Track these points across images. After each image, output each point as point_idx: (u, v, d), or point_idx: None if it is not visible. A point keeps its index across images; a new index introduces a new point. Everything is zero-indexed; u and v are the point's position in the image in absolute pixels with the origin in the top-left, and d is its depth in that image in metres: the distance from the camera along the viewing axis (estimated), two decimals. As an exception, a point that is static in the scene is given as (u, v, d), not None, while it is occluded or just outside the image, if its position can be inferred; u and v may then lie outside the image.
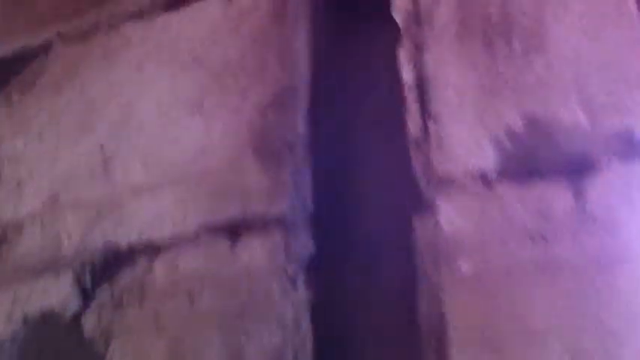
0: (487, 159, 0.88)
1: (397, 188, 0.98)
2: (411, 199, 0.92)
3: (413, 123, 0.96)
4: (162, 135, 1.12)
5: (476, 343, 0.81)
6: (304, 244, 0.93)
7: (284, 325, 0.88)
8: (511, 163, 0.87)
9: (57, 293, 1.07)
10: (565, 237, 0.83)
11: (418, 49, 1.00)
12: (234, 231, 0.97)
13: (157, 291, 0.99)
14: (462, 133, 0.91)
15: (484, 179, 0.89)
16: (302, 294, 0.89)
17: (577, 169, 0.86)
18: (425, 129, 0.94)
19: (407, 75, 1.02)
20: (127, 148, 1.15)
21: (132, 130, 1.16)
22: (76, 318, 1.04)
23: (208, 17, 1.25)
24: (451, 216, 0.87)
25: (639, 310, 0.80)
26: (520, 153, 0.87)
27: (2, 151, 1.30)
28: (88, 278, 1.05)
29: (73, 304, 1.05)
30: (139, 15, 1.32)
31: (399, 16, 1.04)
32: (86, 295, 1.04)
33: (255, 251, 0.94)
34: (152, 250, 1.02)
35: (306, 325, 0.88)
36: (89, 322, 1.02)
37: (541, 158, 0.88)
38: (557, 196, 0.84)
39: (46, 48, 1.39)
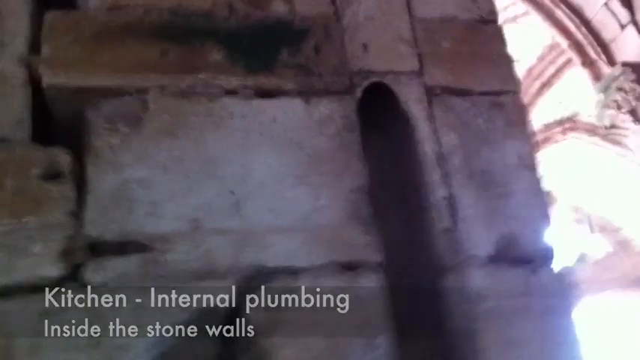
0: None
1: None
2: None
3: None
4: (279, 193, 1.62)
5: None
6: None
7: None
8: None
9: (220, 294, 1.48)
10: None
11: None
12: (350, 268, 1.54)
13: (303, 299, 1.49)
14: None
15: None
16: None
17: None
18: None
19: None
20: (253, 197, 1.60)
21: (254, 185, 1.62)
22: (239, 312, 1.48)
23: (295, 112, 1.74)
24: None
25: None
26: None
27: (128, 174, 1.59)
28: (242, 286, 1.50)
29: (232, 302, 1.48)
30: (234, 93, 1.74)
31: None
32: (244, 298, 1.49)
33: (368, 282, 1.52)
34: (293, 272, 1.53)
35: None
36: (253, 317, 1.47)
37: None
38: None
39: (142, 92, 1.69)
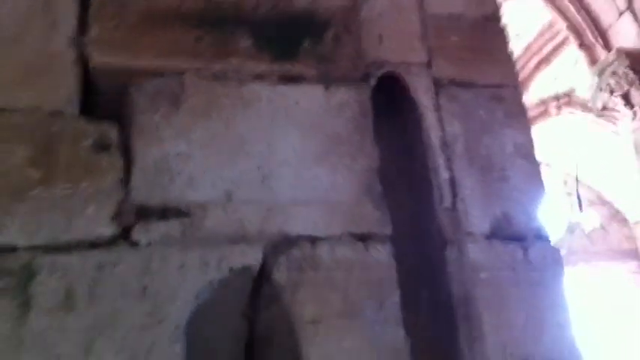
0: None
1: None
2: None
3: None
4: (301, 170, 1.82)
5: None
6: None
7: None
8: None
9: (250, 256, 1.69)
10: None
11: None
12: (363, 239, 1.75)
13: (322, 264, 1.71)
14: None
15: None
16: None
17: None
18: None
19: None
20: (278, 173, 1.80)
21: (278, 162, 1.82)
22: (266, 273, 1.70)
23: (315, 97, 1.93)
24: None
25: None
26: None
27: (168, 148, 1.77)
28: (269, 250, 1.71)
29: (260, 264, 1.70)
30: (261, 78, 1.91)
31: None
32: (271, 260, 1.70)
33: (379, 252, 1.72)
34: (313, 240, 1.74)
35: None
36: (279, 277, 1.69)
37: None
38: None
39: (179, 74, 1.85)
